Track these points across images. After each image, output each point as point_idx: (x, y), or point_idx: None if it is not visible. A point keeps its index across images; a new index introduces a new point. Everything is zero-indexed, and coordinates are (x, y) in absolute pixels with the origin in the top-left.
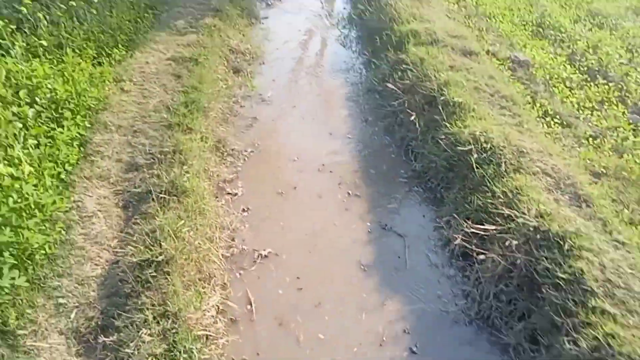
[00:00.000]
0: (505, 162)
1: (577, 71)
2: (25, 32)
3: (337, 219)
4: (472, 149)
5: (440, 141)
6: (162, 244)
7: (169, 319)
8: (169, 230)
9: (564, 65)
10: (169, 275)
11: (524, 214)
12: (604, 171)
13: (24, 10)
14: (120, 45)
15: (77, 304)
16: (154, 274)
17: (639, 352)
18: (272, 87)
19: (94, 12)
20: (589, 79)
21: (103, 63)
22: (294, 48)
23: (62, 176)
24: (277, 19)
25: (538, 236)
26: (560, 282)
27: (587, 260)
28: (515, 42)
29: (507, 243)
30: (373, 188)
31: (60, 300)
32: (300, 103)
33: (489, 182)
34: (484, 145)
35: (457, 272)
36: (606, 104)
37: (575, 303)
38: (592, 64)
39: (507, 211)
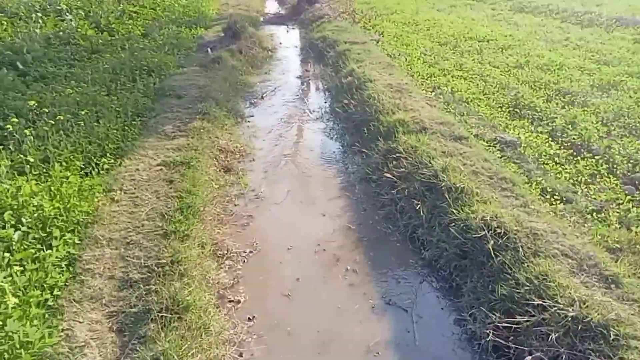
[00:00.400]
0: (522, 247)
1: (561, 147)
2: (10, 149)
3: (350, 317)
4: (487, 234)
5: (449, 228)
6: None
7: None
8: (174, 356)
9: (548, 142)
10: None
11: (557, 302)
12: (619, 246)
13: (10, 127)
14: (108, 154)
15: None
16: None
17: None
18: (264, 182)
19: (82, 123)
20: (575, 154)
21: (91, 174)
22: (281, 143)
23: (50, 302)
24: (262, 116)
25: (579, 327)
26: None
27: (637, 349)
28: (497, 123)
29: (545, 336)
30: (383, 281)
31: None
32: (295, 196)
33: (511, 269)
34: (497, 230)
35: None
36: (597, 177)
37: None
38: (573, 139)
39: (537, 300)
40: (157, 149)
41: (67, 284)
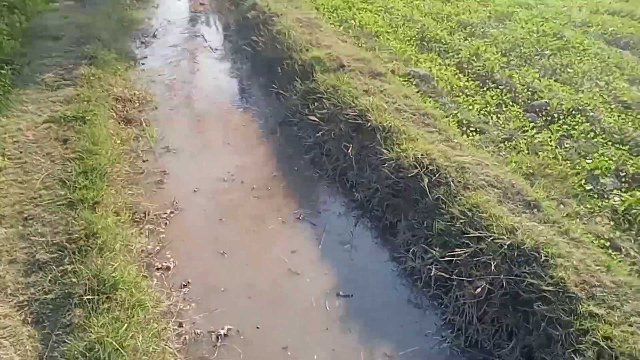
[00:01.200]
0: (453, 181)
1: (469, 79)
2: None
3: (293, 264)
4: (420, 172)
5: (379, 168)
6: None
7: None
8: (112, 343)
9: (457, 75)
10: None
11: (493, 232)
12: (532, 172)
13: None
14: None
15: None
16: None
17: (637, 347)
18: (173, 133)
19: None
20: (481, 85)
21: None
22: (185, 87)
23: None
24: (158, 57)
25: (514, 253)
26: (547, 294)
27: (563, 267)
28: (407, 57)
29: (483, 264)
30: (321, 222)
31: None
32: (211, 145)
33: (445, 204)
34: (429, 167)
35: (432, 302)
36: (503, 106)
37: (566, 312)
38: (479, 70)
39: (473, 232)
40: (39, 102)
41: None
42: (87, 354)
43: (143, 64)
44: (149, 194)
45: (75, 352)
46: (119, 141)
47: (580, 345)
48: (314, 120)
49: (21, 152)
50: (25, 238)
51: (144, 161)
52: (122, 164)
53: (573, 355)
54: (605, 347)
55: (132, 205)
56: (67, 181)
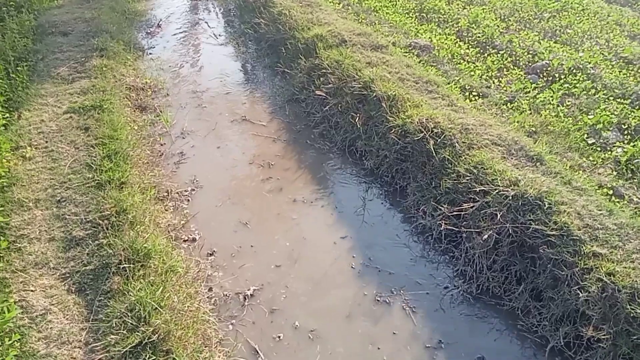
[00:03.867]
0: (457, 142)
1: (469, 46)
2: None
3: (311, 229)
4: (426, 135)
5: (387, 135)
6: (150, 320)
7: None
8: (151, 303)
9: (457, 43)
10: (171, 353)
11: (497, 185)
12: (534, 129)
13: None
14: (0, 107)
15: None
16: (153, 356)
17: (638, 280)
18: (186, 117)
19: None
20: (482, 51)
21: None
22: (193, 72)
23: None
24: (165, 47)
25: (519, 202)
26: (551, 239)
27: (567, 213)
28: (407, 30)
29: (490, 216)
30: (334, 190)
31: None
32: (223, 125)
33: (451, 164)
34: (434, 130)
35: (443, 256)
36: (504, 70)
37: (570, 254)
38: (478, 37)
39: (479, 187)
40: (57, 95)
41: (2, 255)
42: (129, 314)
43: (151, 53)
44: (169, 174)
45: (118, 313)
46: (136, 127)
47: (585, 282)
48: (321, 95)
49: (47, 142)
50: (60, 218)
51: (161, 145)
52: (142, 148)
53: (578, 291)
54: (609, 282)
55: (156, 184)
56: (92, 165)
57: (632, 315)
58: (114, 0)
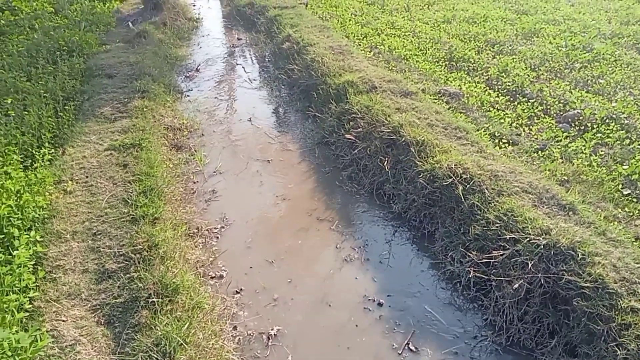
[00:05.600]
0: (487, 189)
1: (499, 94)
2: None
3: (337, 270)
4: (455, 181)
5: (415, 180)
6: (175, 356)
7: None
8: (177, 339)
9: (487, 91)
10: None
11: (528, 234)
12: (566, 178)
13: None
14: (46, 144)
15: None
16: None
17: None
18: (219, 156)
19: (10, 113)
20: (511, 99)
21: (32, 166)
22: (228, 114)
23: (26, 306)
24: (202, 89)
25: (551, 252)
26: (586, 291)
27: (601, 264)
28: (437, 77)
29: (520, 265)
30: (361, 233)
31: None
32: (254, 166)
33: (480, 210)
34: (463, 175)
35: (471, 304)
36: (535, 118)
37: (606, 308)
38: (508, 86)
39: (509, 234)
40: (99, 133)
41: (38, 284)
42: (155, 349)
43: (188, 95)
44: (200, 211)
45: (145, 347)
46: (171, 165)
47: (623, 339)
48: (350, 139)
49: (87, 177)
50: (95, 250)
51: (194, 182)
52: (176, 185)
53: (616, 348)
54: None
55: (187, 221)
56: (128, 200)
57: None
58: (157, 45)
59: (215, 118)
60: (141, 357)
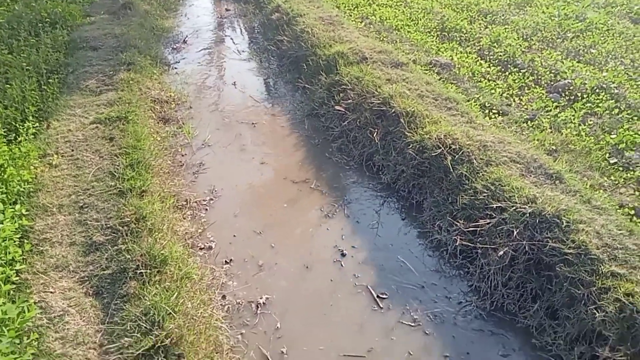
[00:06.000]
0: (475, 159)
1: (490, 65)
2: None
3: (325, 241)
4: (444, 151)
5: (404, 151)
6: (164, 325)
7: None
8: (166, 308)
9: (478, 61)
10: (182, 357)
11: (515, 202)
12: (554, 148)
13: None
14: (30, 118)
15: None
16: (165, 359)
17: None
18: (207, 129)
19: None
20: (503, 70)
21: (16, 140)
22: (216, 86)
23: (13, 278)
24: (190, 62)
25: (536, 220)
26: (569, 257)
27: (585, 232)
28: (429, 48)
29: (506, 233)
30: (350, 204)
31: None
32: (243, 138)
33: (468, 180)
34: (452, 146)
35: (458, 271)
36: (525, 89)
37: (588, 273)
38: (500, 56)
39: (496, 203)
40: (85, 106)
41: (25, 257)
42: (144, 318)
43: (176, 68)
44: (189, 183)
45: (133, 317)
46: (159, 138)
47: (602, 302)
48: (340, 110)
49: (73, 150)
50: (82, 223)
51: (182, 155)
52: (164, 158)
53: (595, 311)
54: (627, 303)
55: (175, 193)
56: (115, 173)
57: None
58: (143, 17)
59: (204, 90)
60: (130, 326)
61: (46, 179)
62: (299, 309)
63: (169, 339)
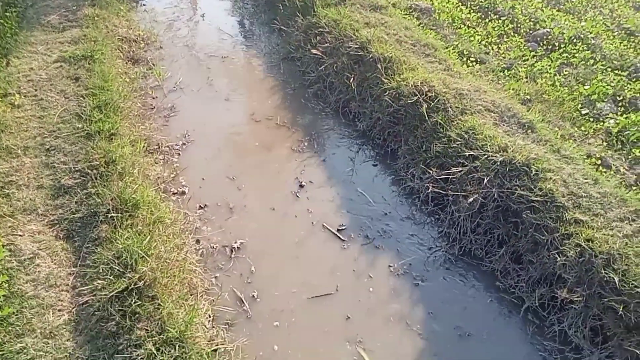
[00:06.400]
0: (451, 107)
1: (471, 11)
2: None
3: (294, 182)
4: (420, 99)
5: (381, 98)
6: (137, 267)
7: (174, 345)
8: (138, 251)
9: (459, 7)
10: (156, 299)
11: (487, 151)
12: (529, 97)
13: None
14: None
15: None
16: (139, 301)
17: (615, 247)
18: (179, 71)
19: None
20: (483, 16)
21: None
22: (187, 26)
23: None
24: None
25: (507, 168)
26: (535, 205)
27: (552, 180)
28: None
29: (477, 181)
30: (324, 151)
31: None
32: (217, 81)
33: (443, 128)
34: (428, 94)
35: (429, 218)
36: (505, 37)
37: (552, 220)
38: (481, 2)
39: (468, 151)
40: (47, 43)
41: None
42: (116, 261)
43: (144, 4)
44: (160, 127)
45: (106, 260)
46: (127, 79)
47: (564, 247)
48: (317, 54)
49: (36, 90)
50: (49, 166)
51: (153, 98)
52: (133, 101)
53: (557, 255)
54: (587, 247)
55: (146, 137)
56: (82, 115)
57: (605, 279)
58: None
59: (175, 30)
60: (103, 269)
61: (8, 119)
62: (272, 251)
63: (143, 282)
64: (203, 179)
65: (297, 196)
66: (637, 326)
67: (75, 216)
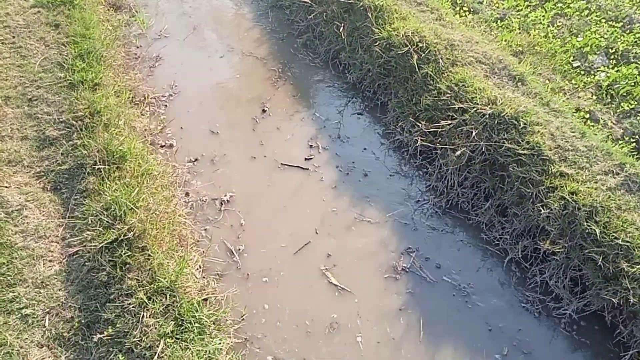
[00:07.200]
0: (442, 58)
1: None
2: None
3: (284, 135)
4: (410, 50)
5: (371, 48)
6: (126, 219)
7: (164, 294)
8: (126, 203)
9: None
10: (146, 249)
11: (476, 104)
12: (521, 49)
13: None
14: None
15: (46, 309)
16: (129, 252)
17: (597, 200)
18: (163, 19)
19: None
20: None
21: None
22: None
23: None
24: None
25: (495, 121)
26: (522, 158)
27: (540, 133)
28: None
29: (466, 134)
30: (314, 103)
31: (25, 312)
32: (203, 30)
33: (433, 80)
34: (419, 44)
35: (418, 171)
36: None
37: (538, 173)
38: None
39: (458, 104)
40: None
41: None
42: (105, 213)
43: None
44: (145, 77)
45: (94, 211)
46: (110, 27)
47: (548, 200)
48: (306, 2)
49: (14, 37)
50: (32, 117)
51: (137, 47)
52: (117, 50)
53: (541, 208)
54: (571, 200)
55: (131, 88)
56: (64, 64)
57: (587, 231)
58: None
59: None
60: (92, 221)
61: None
62: (262, 205)
63: (132, 233)
64: (195, 132)
65: (309, 158)
66: (614, 276)
67: (62, 168)
